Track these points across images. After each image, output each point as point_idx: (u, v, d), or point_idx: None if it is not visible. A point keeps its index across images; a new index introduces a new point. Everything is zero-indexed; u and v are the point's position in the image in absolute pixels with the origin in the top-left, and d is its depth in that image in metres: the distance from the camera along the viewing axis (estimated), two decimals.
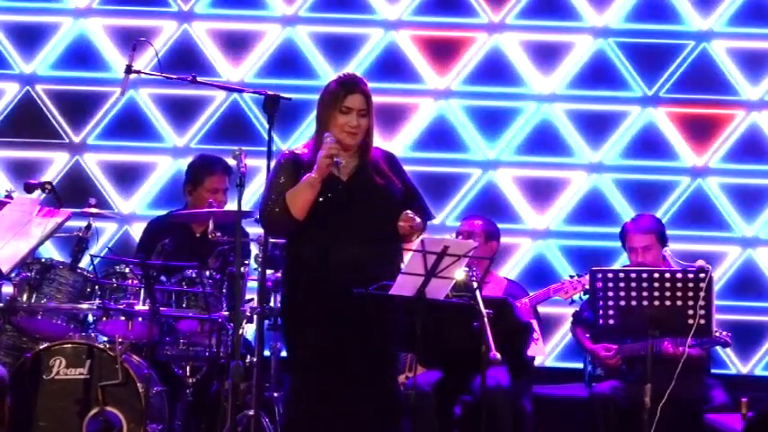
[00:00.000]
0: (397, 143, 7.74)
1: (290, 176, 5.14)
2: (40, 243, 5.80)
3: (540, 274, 7.64)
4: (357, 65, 7.93)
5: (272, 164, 5.20)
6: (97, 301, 6.16)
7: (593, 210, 7.91)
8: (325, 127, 5.16)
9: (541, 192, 7.92)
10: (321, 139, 5.14)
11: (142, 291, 6.14)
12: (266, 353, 6.21)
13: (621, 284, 5.65)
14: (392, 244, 5.12)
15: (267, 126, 5.21)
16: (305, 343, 5.17)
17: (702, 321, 5.59)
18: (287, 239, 5.36)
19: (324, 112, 5.21)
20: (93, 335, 6.26)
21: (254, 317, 6.12)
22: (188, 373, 6.28)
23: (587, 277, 6.67)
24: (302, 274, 5.19)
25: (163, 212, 7.18)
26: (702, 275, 5.60)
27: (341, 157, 5.07)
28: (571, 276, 6.87)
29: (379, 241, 5.07)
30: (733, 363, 7.75)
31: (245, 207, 5.66)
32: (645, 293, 5.61)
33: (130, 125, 8.00)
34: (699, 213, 7.87)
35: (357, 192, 5.16)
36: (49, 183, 6.16)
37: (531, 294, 6.95)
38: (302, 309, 5.18)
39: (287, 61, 8.00)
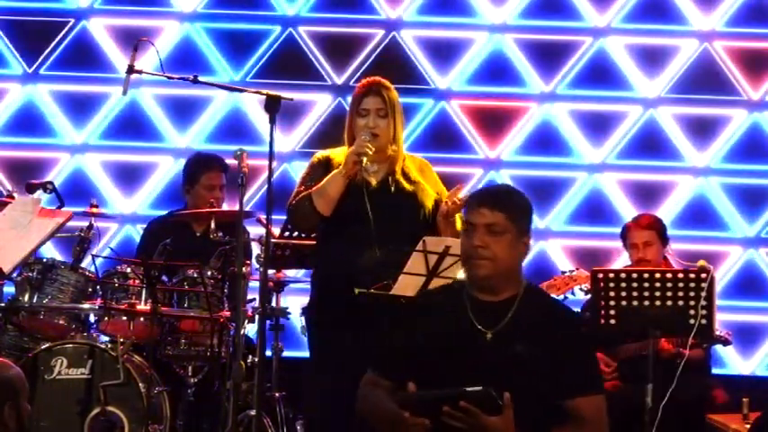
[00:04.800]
0: None
1: (319, 175, 5.23)
2: (42, 243, 5.79)
3: (541, 273, 7.62)
4: (359, 65, 7.94)
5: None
6: (99, 301, 6.17)
7: (594, 210, 7.91)
8: (349, 133, 5.25)
9: (543, 192, 7.92)
10: (350, 144, 5.24)
11: (144, 290, 6.14)
12: (268, 353, 6.21)
13: (622, 284, 5.64)
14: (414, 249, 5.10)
15: (268, 126, 5.21)
16: (324, 344, 5.20)
17: (704, 322, 5.59)
18: (316, 240, 5.43)
19: (348, 119, 5.31)
20: (94, 335, 6.26)
21: (256, 317, 6.13)
22: (189, 373, 6.29)
23: (579, 272, 6.68)
24: (325, 275, 5.24)
25: (164, 212, 7.20)
26: (704, 276, 5.59)
27: (370, 159, 5.12)
28: (563, 272, 6.85)
29: (403, 246, 5.05)
30: (734, 363, 7.75)
31: (247, 207, 5.66)
32: (646, 294, 5.61)
33: (132, 125, 8.00)
34: (700, 213, 7.87)
35: (384, 197, 5.19)
36: (51, 183, 6.16)
37: None
38: (323, 310, 5.22)
39: (288, 61, 8.00)
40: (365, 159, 5.11)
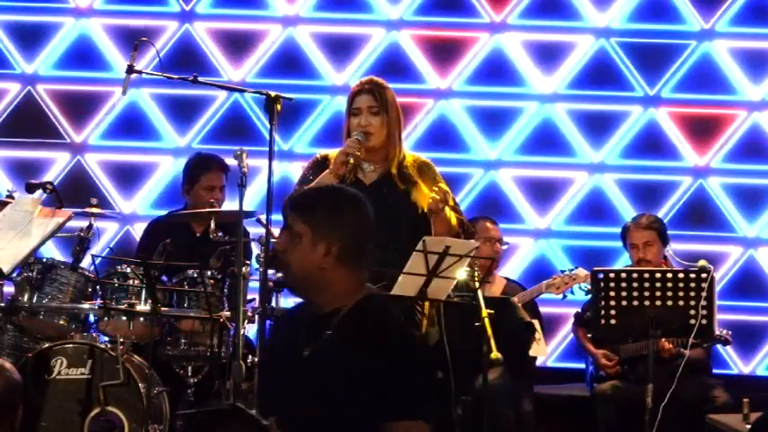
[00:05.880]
0: None
1: (316, 175, 5.22)
2: (42, 243, 5.80)
3: (541, 273, 7.62)
4: (358, 65, 7.94)
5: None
6: (98, 301, 6.16)
7: (594, 210, 7.91)
8: (346, 133, 5.26)
9: (543, 192, 7.92)
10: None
11: (143, 290, 6.14)
12: None
13: (623, 284, 5.64)
14: (411, 249, 5.08)
15: (268, 126, 5.21)
16: None
17: (704, 322, 5.59)
18: None
19: (345, 120, 5.31)
20: (94, 335, 6.26)
21: (256, 317, 6.13)
22: (189, 373, 6.29)
23: (578, 271, 6.68)
24: None
25: (163, 212, 7.20)
26: (704, 275, 5.59)
27: (361, 158, 5.10)
28: (562, 271, 6.84)
29: (397, 246, 5.03)
30: (735, 363, 7.75)
31: (246, 207, 5.65)
32: (646, 293, 5.61)
33: (132, 125, 8.00)
34: (700, 213, 7.87)
35: (377, 197, 5.17)
36: (51, 183, 6.15)
37: (523, 291, 6.93)
38: None
39: (288, 61, 8.00)
40: (351, 159, 5.10)
